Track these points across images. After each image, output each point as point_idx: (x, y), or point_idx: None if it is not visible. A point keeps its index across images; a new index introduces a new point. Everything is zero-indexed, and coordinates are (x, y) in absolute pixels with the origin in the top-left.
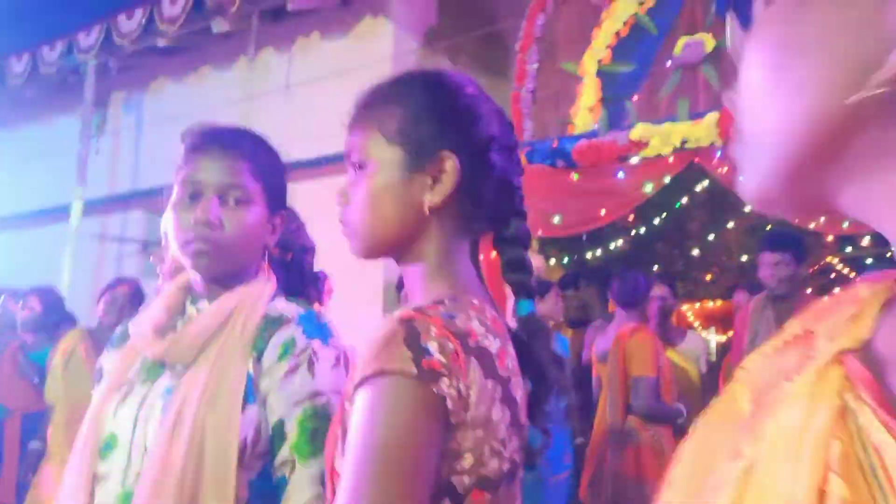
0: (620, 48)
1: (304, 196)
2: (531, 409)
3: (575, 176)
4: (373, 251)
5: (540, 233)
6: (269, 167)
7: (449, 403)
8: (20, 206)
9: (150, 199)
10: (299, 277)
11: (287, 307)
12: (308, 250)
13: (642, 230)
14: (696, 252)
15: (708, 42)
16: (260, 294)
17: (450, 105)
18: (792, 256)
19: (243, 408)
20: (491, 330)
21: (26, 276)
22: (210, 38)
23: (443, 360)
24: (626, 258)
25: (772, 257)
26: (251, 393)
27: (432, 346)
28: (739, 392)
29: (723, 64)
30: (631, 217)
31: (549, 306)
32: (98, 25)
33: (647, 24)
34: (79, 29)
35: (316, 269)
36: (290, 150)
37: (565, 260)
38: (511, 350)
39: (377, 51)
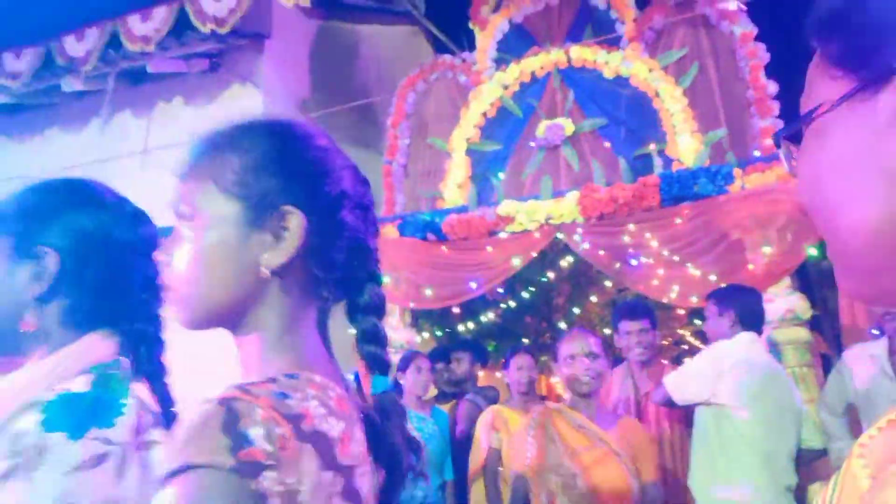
0: (488, 128)
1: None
2: (383, 499)
3: (445, 249)
4: (202, 321)
5: (412, 305)
6: (13, 210)
7: (273, 501)
8: None
9: None
10: (151, 345)
11: (59, 388)
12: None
13: (511, 303)
14: (562, 325)
15: (567, 126)
16: (36, 376)
17: (296, 156)
18: (649, 323)
19: None
20: (334, 411)
21: None
22: (59, 96)
23: (268, 448)
24: (496, 331)
25: (630, 325)
26: None
27: (255, 433)
28: (857, 467)
29: (581, 146)
30: (501, 290)
31: (408, 381)
32: None
33: (511, 107)
34: None
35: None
36: (150, 215)
37: (438, 333)
38: (358, 434)
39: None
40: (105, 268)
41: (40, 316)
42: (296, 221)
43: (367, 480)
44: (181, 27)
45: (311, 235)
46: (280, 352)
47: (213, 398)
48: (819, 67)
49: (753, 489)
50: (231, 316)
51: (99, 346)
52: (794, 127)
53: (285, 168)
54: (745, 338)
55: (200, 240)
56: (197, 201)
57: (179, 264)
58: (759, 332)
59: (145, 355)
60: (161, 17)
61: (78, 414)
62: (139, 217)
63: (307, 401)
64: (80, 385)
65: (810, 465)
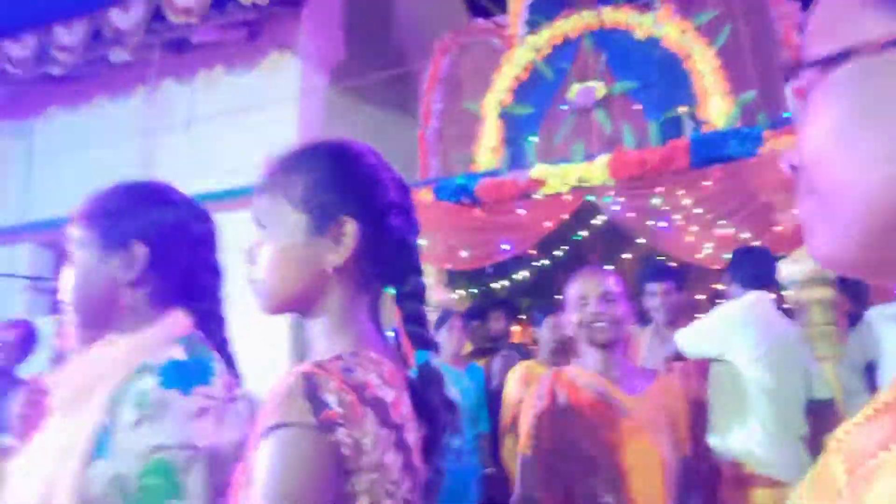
0: (520, 91)
1: None
2: (426, 451)
3: (479, 211)
4: (278, 308)
5: (448, 266)
6: (101, 209)
7: (345, 451)
8: None
9: (39, 231)
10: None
11: (163, 355)
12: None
13: (545, 261)
14: None
15: (599, 89)
16: (140, 347)
17: (350, 173)
18: (674, 284)
19: (93, 463)
20: (387, 381)
21: None
22: (107, 67)
23: (340, 410)
24: (530, 288)
25: (655, 286)
26: (105, 447)
27: (330, 399)
28: (834, 462)
29: (613, 109)
30: (534, 250)
31: (447, 336)
32: None
33: (544, 70)
34: None
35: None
36: (193, 182)
37: (473, 291)
38: (406, 398)
39: (284, 87)
40: (182, 257)
41: (131, 297)
42: (351, 229)
43: (413, 435)
44: None
45: (363, 239)
46: (342, 333)
47: (296, 371)
48: (857, 2)
49: (769, 440)
50: (301, 304)
51: (181, 321)
52: (827, 61)
53: (342, 184)
54: (753, 297)
55: (276, 244)
56: (272, 212)
57: (261, 263)
58: (769, 289)
59: (214, 329)
60: None
61: (185, 374)
62: (204, 214)
63: (368, 374)
64: (179, 353)
65: (819, 415)
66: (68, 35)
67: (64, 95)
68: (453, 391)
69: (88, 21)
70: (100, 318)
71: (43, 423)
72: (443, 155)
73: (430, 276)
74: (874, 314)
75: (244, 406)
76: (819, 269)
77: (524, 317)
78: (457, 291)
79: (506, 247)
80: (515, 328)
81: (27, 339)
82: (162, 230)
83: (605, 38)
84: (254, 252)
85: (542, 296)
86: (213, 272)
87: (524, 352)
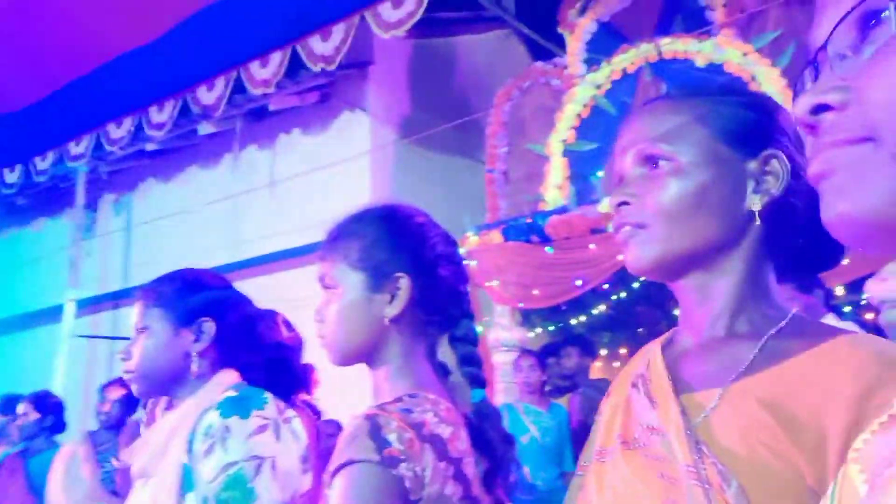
0: (583, 128)
1: (291, 284)
2: (486, 483)
3: (549, 249)
4: (346, 359)
5: (521, 305)
6: (172, 291)
7: (407, 483)
8: (13, 309)
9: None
10: (280, 374)
11: (220, 397)
12: (284, 346)
13: (622, 294)
14: (677, 312)
15: None
16: (201, 402)
17: (402, 233)
18: None
19: (184, 498)
20: (444, 419)
21: (21, 380)
22: (195, 139)
23: (401, 447)
24: (609, 322)
25: None
26: (190, 481)
27: (392, 437)
28: (853, 472)
29: None
30: (606, 286)
31: (523, 375)
32: (88, 134)
33: (605, 105)
34: (69, 138)
35: (305, 361)
36: (276, 241)
37: (550, 328)
38: (463, 434)
39: (356, 143)
40: (242, 332)
41: (198, 365)
42: (405, 283)
43: (471, 468)
44: (295, 67)
45: (416, 291)
46: (402, 378)
47: (361, 415)
48: None
49: None
50: (365, 354)
51: (231, 375)
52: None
53: (394, 244)
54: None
55: (339, 302)
56: (334, 275)
57: (328, 320)
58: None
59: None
60: (277, 62)
61: (241, 404)
62: (246, 299)
63: (426, 413)
64: (232, 393)
65: None
66: (159, 113)
67: (157, 168)
68: (533, 430)
69: (177, 99)
70: (169, 384)
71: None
72: (511, 196)
73: (504, 317)
74: None
75: (298, 423)
76: None
77: (604, 352)
78: (534, 329)
79: (578, 283)
80: (596, 364)
81: (132, 398)
82: (223, 308)
83: (665, 68)
84: (321, 311)
85: (622, 329)
86: (257, 344)
87: (603, 388)
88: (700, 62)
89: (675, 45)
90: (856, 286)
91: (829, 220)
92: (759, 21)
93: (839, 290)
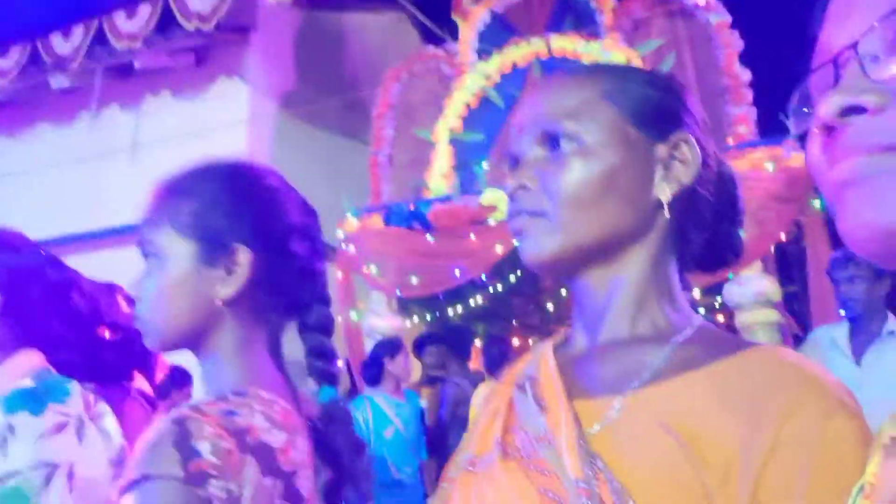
0: (471, 118)
1: None
2: (329, 497)
3: (430, 237)
4: (165, 345)
5: (398, 292)
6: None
7: None
8: None
9: None
10: (105, 358)
11: (7, 388)
12: (120, 326)
13: (499, 287)
14: (550, 306)
15: None
16: None
17: (245, 196)
18: None
19: None
20: (277, 424)
21: None
22: (47, 92)
23: (213, 460)
24: (484, 313)
25: None
26: None
27: (203, 447)
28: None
29: None
30: (484, 277)
31: (398, 367)
32: None
33: (494, 98)
34: None
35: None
36: (138, 211)
37: (427, 317)
38: (300, 442)
39: (232, 112)
40: (33, 303)
41: None
42: (244, 257)
43: (308, 482)
44: (166, 23)
45: (259, 268)
46: (231, 371)
47: (168, 417)
48: None
49: None
50: (191, 340)
51: (32, 359)
52: None
53: (234, 209)
54: None
55: (162, 275)
56: (158, 241)
57: (146, 297)
58: None
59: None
60: (146, 14)
61: (34, 398)
62: (59, 263)
63: (253, 416)
64: (27, 383)
65: None
66: (3, 59)
67: (2, 121)
68: (397, 422)
69: (26, 46)
70: None
71: None
72: (395, 180)
73: (381, 304)
74: (819, 334)
75: (111, 421)
76: (763, 291)
77: (479, 343)
78: (411, 318)
79: (457, 272)
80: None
81: None
82: (13, 278)
83: (554, 66)
84: (139, 285)
85: (497, 320)
86: (69, 319)
87: (475, 380)
88: (587, 62)
89: (563, 43)
90: (711, 290)
91: (850, 229)
92: (644, 29)
93: (695, 293)
